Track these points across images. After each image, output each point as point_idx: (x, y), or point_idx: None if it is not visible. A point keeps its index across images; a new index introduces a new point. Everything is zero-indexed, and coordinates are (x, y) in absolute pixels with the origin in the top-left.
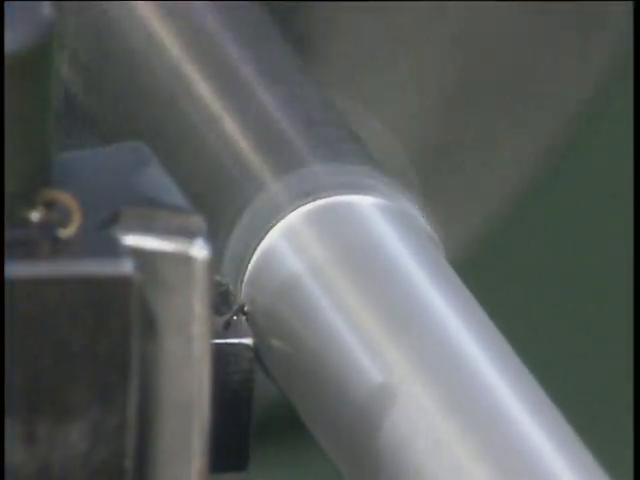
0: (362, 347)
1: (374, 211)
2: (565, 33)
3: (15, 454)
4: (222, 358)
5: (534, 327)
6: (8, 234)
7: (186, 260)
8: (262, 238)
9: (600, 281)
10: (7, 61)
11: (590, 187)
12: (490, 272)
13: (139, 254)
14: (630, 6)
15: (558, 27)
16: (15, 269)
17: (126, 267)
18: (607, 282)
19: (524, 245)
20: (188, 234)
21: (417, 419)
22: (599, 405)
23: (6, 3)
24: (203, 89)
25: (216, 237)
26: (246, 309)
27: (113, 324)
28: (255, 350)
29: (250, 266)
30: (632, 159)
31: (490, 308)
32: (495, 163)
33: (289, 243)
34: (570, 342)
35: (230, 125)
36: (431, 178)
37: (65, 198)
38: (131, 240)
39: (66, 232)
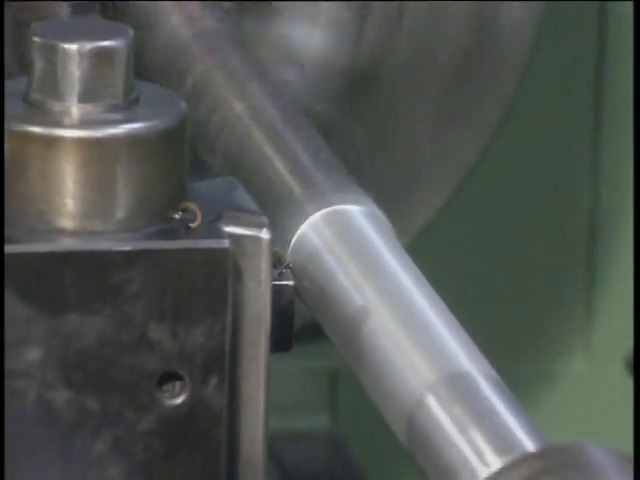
0: (351, 286)
1: (360, 215)
2: None
3: (166, 344)
4: (277, 292)
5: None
6: (162, 226)
7: (258, 240)
8: (298, 229)
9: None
10: (165, 133)
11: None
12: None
13: (233, 237)
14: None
15: None
16: (166, 245)
17: (226, 244)
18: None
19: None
20: (259, 226)
21: (382, 325)
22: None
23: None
24: (267, 148)
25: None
26: (290, 266)
27: (219, 274)
28: (295, 288)
29: (291, 244)
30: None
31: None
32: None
33: (313, 232)
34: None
35: (274, 164)
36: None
37: (193, 206)
38: (229, 229)
39: (193, 225)
